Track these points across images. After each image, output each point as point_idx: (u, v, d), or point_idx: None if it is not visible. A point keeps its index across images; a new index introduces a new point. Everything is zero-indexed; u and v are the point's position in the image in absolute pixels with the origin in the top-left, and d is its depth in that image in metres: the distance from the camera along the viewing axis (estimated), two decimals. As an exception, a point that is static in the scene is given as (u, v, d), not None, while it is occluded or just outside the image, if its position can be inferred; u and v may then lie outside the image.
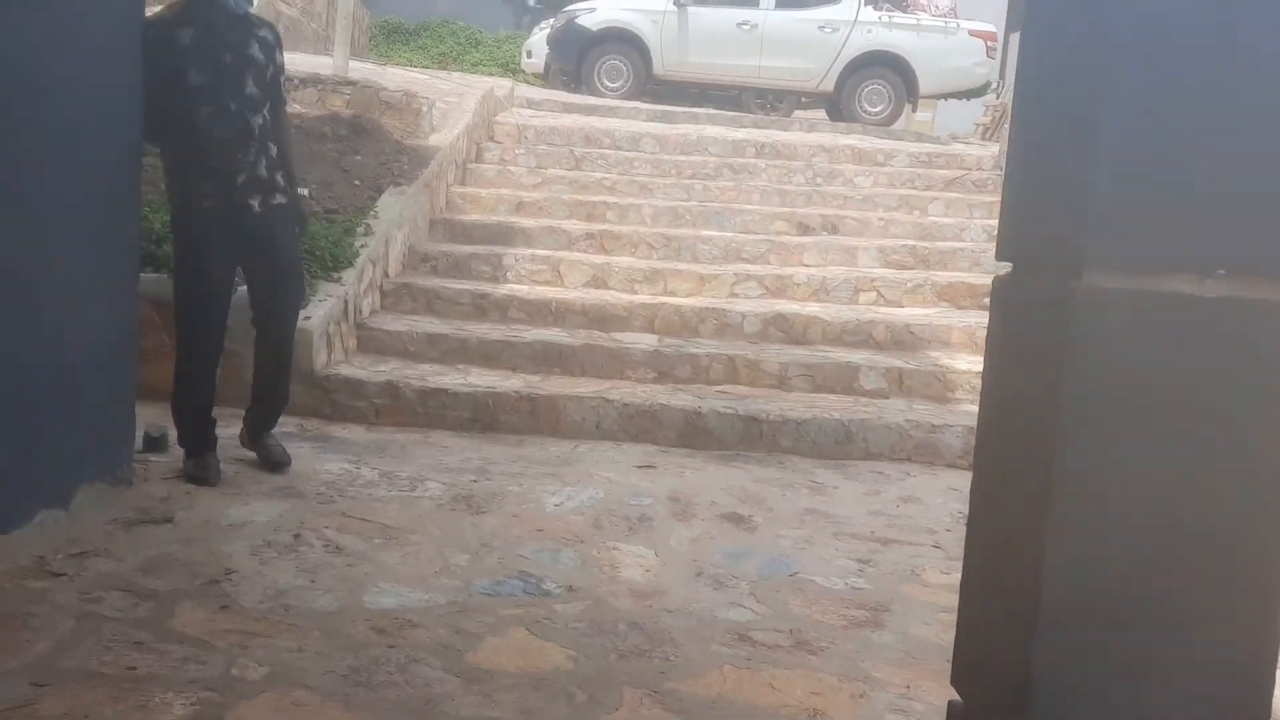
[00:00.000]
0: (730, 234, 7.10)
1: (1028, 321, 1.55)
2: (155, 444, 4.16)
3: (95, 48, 3.42)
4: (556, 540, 3.59)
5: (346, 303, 5.39)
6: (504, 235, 6.86)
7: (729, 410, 4.93)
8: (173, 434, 4.21)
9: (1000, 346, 1.64)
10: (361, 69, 8.97)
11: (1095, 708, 1.40)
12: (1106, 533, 1.39)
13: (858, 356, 5.60)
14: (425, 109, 7.93)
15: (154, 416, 4.19)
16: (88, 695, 2.38)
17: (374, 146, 7.18)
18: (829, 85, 11.56)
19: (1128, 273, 1.38)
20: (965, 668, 1.69)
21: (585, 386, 5.16)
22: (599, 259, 6.60)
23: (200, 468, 3.88)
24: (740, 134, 9.13)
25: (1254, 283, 1.38)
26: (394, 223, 6.16)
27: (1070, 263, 1.40)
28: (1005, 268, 1.66)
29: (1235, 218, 1.37)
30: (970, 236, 7.40)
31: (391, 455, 4.44)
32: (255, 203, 3.86)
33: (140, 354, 3.93)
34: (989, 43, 11.67)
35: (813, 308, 6.17)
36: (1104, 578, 1.40)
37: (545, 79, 12.52)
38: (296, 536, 3.43)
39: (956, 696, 1.72)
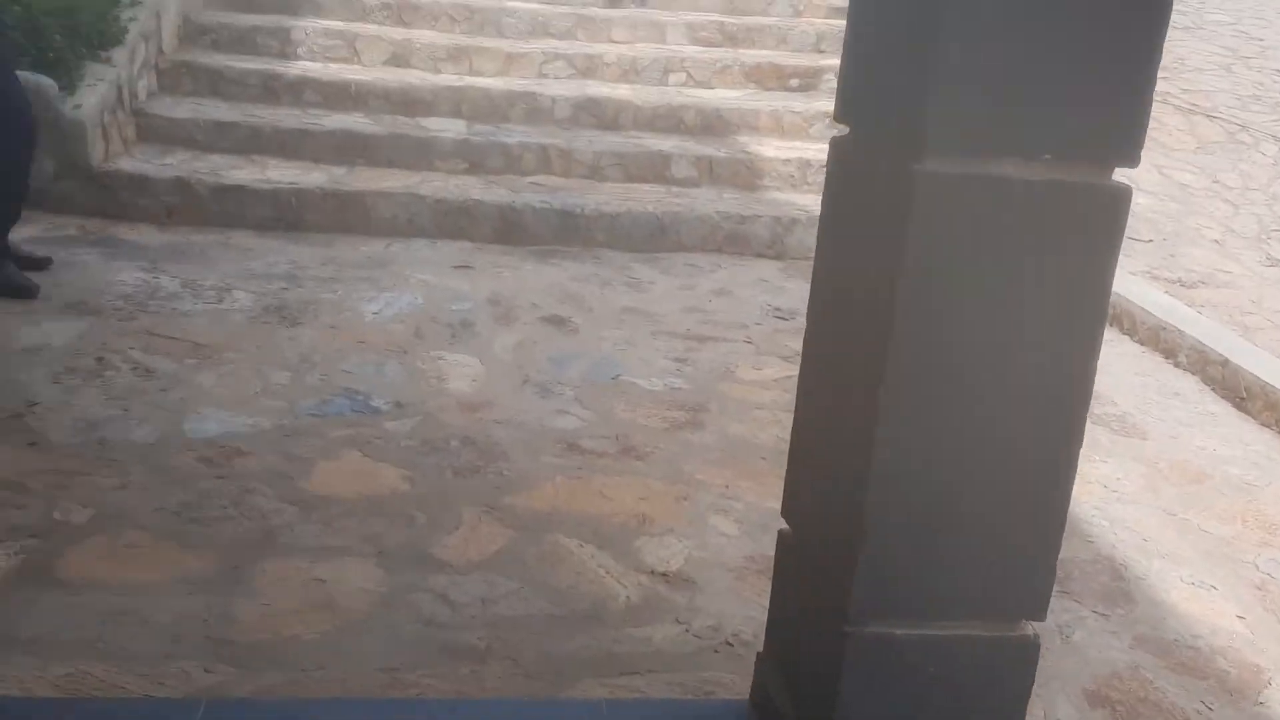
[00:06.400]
0: (536, 5, 6.78)
1: (864, 190, 1.61)
2: (-82, 257, 3.78)
3: None
4: (379, 352, 3.56)
5: (120, 87, 4.91)
6: (291, 3, 6.31)
7: (545, 205, 4.89)
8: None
9: (835, 209, 1.70)
10: None
11: (916, 554, 1.58)
12: (934, 397, 1.52)
13: (669, 144, 5.60)
14: None
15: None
16: (-103, 554, 2.28)
17: (131, -105, 6.35)
18: None
19: (965, 156, 1.44)
20: (796, 503, 1.84)
21: (394, 180, 4.98)
22: (398, 33, 6.20)
23: (21, 276, 3.64)
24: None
25: (1073, 167, 1.47)
26: (165, -10, 5.56)
27: (910, 142, 1.45)
28: (842, 129, 1.69)
29: (1061, 103, 1.44)
30: (777, 11, 7.33)
31: (191, 260, 4.21)
32: None
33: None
34: None
35: (623, 90, 6.06)
36: (930, 440, 1.54)
37: None
38: (100, 360, 3.27)
39: (785, 525, 1.88)
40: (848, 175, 1.68)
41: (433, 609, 2.28)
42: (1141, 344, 4.29)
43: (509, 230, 4.83)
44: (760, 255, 5.01)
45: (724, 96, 6.23)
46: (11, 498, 2.53)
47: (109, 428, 2.90)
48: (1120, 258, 1.56)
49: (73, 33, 4.83)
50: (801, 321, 3.45)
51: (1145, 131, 1.49)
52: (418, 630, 2.21)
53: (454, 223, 4.81)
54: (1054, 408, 1.58)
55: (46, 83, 4.48)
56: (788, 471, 1.88)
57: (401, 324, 3.80)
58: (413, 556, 2.47)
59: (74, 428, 2.88)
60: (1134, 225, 4.34)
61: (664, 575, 2.51)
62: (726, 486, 2.94)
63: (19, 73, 3.99)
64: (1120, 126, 1.47)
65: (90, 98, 4.65)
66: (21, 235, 3.95)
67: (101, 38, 4.98)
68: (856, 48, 1.65)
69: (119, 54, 4.97)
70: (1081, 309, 1.55)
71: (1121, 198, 1.49)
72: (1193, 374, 4.02)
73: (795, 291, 4.55)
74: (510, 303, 4.11)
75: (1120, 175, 1.50)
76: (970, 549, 1.59)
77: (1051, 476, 1.59)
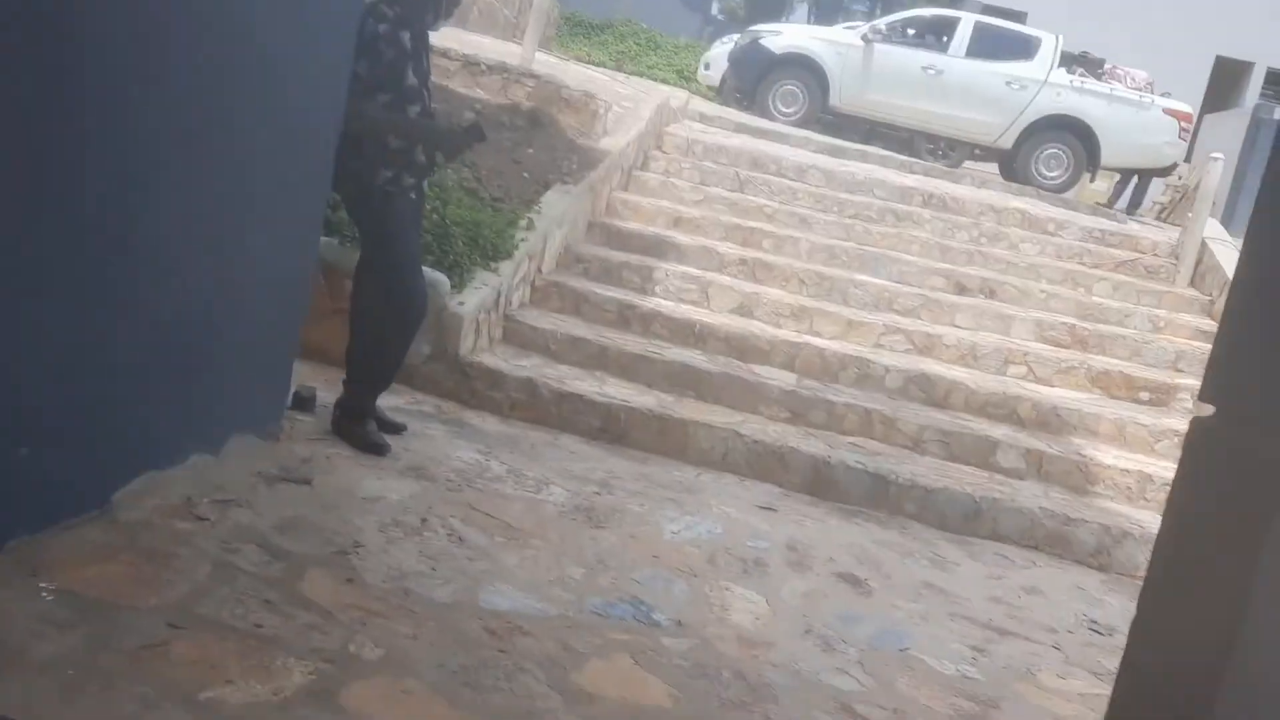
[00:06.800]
0: (884, 282, 6.99)
1: (1228, 473, 1.48)
2: (304, 403, 4.30)
3: (319, 28, 3.58)
4: (670, 570, 3.59)
5: (499, 294, 5.50)
6: (658, 248, 6.90)
7: (859, 465, 4.86)
8: (322, 395, 4.37)
9: (1191, 491, 1.57)
10: (545, 62, 9.16)
11: None
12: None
13: (998, 431, 5.45)
14: (602, 111, 8.04)
15: (304, 376, 4.34)
16: (217, 646, 2.49)
17: (547, 141, 7.33)
18: (1007, 142, 11.27)
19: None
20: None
21: (717, 415, 5.16)
22: (749, 287, 6.58)
23: (378, 435, 4.08)
24: (909, 180, 8.98)
25: None
26: (556, 221, 6.27)
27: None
28: (1207, 409, 1.59)
29: None
30: (1135, 324, 7.12)
31: (521, 452, 4.52)
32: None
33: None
34: (1183, 123, 11.18)
35: (958, 372, 6.03)
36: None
37: (719, 93, 12.56)
38: (423, 520, 3.52)
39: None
40: (1204, 457, 1.56)
41: (672, 834, 2.17)
42: None
43: (818, 483, 4.82)
44: (1081, 562, 4.66)
45: (1064, 396, 6.03)
46: (320, 622, 2.72)
47: (415, 581, 3.08)
48: None
49: (473, 243, 5.52)
50: (1118, 640, 3.14)
51: None
52: None
53: (766, 465, 4.87)
54: None
55: (442, 279, 5.10)
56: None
57: (697, 548, 3.83)
58: (663, 775, 2.39)
59: (386, 574, 3.09)
60: None
61: None
62: (1010, 795, 2.65)
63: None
64: None
65: (473, 299, 5.23)
66: (387, 403, 4.42)
67: (495, 251, 5.65)
68: (1231, 330, 1.56)
69: (505, 266, 5.60)
70: None
71: None
72: None
73: (1116, 607, 4.16)
74: (807, 551, 4.04)
75: None
76: None
77: None
